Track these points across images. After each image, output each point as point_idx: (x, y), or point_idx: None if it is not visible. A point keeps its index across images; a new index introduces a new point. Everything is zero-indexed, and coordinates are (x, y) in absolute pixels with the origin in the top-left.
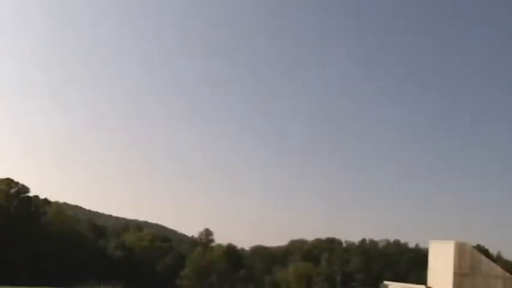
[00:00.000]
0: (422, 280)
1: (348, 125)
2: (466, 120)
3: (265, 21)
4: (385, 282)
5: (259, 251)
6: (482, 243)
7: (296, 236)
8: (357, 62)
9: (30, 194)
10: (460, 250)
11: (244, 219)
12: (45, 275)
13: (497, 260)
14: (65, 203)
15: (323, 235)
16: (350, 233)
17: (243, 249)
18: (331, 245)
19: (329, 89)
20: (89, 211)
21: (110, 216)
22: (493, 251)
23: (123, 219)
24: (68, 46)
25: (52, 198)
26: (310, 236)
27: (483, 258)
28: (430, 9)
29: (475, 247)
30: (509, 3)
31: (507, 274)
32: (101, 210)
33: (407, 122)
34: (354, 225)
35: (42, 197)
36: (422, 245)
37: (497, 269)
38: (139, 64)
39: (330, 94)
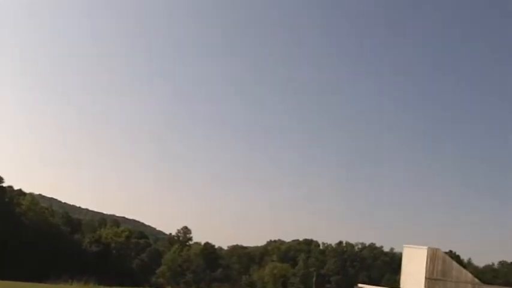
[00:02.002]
0: (396, 283)
1: (327, 129)
2: (446, 128)
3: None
4: (360, 285)
5: (237, 251)
6: (454, 249)
7: (274, 237)
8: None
9: (4, 185)
10: (433, 255)
11: (223, 218)
12: (17, 267)
13: (468, 266)
14: (40, 195)
15: (301, 236)
16: (327, 235)
17: (220, 248)
18: (308, 246)
19: (319, 90)
20: (65, 204)
21: (87, 210)
22: (464, 257)
23: (100, 213)
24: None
25: (27, 190)
26: (288, 237)
27: (454, 264)
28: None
29: (447, 253)
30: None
31: (476, 280)
32: (77, 204)
33: (389, 127)
34: (331, 227)
35: (16, 187)
36: (396, 249)
37: (468, 275)
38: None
39: (320, 95)
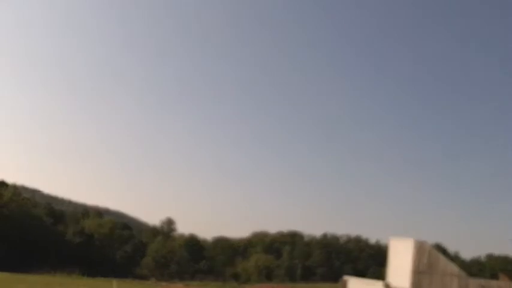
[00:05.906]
0: (382, 276)
1: (310, 123)
2: (433, 123)
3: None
4: (345, 277)
5: (221, 243)
6: (441, 242)
7: (258, 228)
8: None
9: None
10: (419, 248)
11: (207, 209)
12: None
13: (455, 259)
14: (22, 186)
15: (285, 228)
16: (312, 227)
17: (204, 240)
18: (293, 238)
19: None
20: (48, 195)
21: (70, 201)
22: (451, 250)
23: (83, 205)
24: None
25: (9, 180)
26: (272, 229)
27: (441, 257)
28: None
29: (433, 246)
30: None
31: (463, 273)
32: (60, 195)
33: (376, 122)
34: (316, 219)
35: None
36: (382, 242)
37: (454, 268)
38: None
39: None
